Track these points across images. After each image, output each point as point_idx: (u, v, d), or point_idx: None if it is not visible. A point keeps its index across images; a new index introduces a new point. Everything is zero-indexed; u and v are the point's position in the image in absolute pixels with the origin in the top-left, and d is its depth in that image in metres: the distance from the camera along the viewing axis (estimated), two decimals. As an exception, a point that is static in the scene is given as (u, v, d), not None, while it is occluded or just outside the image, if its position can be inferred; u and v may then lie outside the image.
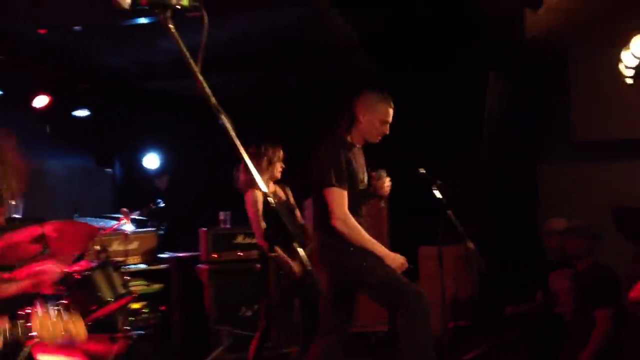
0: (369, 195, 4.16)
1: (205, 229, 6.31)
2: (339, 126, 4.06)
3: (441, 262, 4.68)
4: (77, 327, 2.57)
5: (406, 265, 4.04)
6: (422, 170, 4.66)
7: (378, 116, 4.04)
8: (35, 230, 4.00)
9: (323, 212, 3.81)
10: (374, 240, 3.92)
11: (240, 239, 6.32)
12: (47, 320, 2.51)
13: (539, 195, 7.03)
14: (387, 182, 4.18)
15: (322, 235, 3.92)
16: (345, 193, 3.80)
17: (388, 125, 4.11)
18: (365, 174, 4.13)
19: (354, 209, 3.87)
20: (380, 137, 4.07)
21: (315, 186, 3.89)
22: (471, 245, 4.69)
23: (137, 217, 6.31)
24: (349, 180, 3.85)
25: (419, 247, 6.84)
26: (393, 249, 7.00)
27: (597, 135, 6.75)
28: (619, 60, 5.42)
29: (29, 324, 2.57)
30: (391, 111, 4.12)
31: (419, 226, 6.66)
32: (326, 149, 3.91)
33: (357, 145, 4.08)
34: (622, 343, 4.52)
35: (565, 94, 6.76)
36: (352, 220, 3.80)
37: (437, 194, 4.59)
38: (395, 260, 3.95)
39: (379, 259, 3.85)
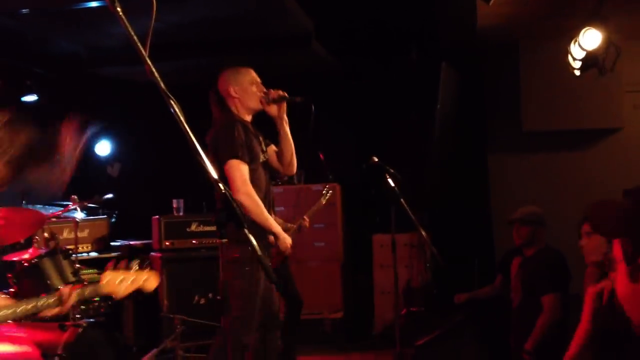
0: (270, 168, 4.08)
1: (157, 216, 6.25)
2: (219, 113, 3.99)
3: (394, 250, 4.73)
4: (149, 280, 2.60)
5: (289, 251, 3.98)
6: (375, 159, 4.70)
7: (246, 80, 3.97)
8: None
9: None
10: (271, 219, 3.84)
11: (194, 227, 6.27)
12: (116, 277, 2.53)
13: (490, 184, 7.15)
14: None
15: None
16: (246, 166, 3.74)
17: (260, 83, 4.02)
18: (264, 146, 4.03)
19: (256, 183, 3.80)
20: (262, 98, 3.96)
21: (217, 166, 3.71)
22: (424, 233, 4.75)
23: (87, 205, 6.20)
24: (249, 153, 3.78)
25: (372, 235, 6.91)
26: (347, 236, 7.12)
27: (547, 125, 6.90)
28: (567, 52, 5.53)
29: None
30: (252, 70, 4.03)
31: (372, 214, 6.75)
32: (221, 127, 3.86)
33: (248, 120, 3.99)
34: (568, 329, 4.64)
35: (515, 84, 6.88)
36: (255, 194, 3.72)
37: (390, 182, 4.64)
38: (285, 240, 3.88)
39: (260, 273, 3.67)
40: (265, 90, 3.99)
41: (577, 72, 5.63)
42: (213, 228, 6.21)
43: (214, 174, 1.97)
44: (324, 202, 5.51)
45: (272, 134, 4.14)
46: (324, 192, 5.59)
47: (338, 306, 6.84)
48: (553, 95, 6.73)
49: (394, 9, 6.14)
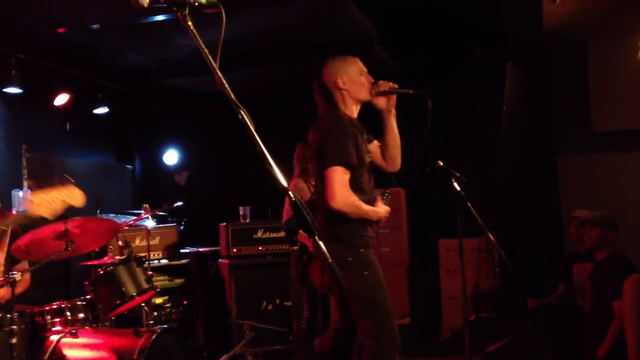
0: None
1: (224, 223, 6.35)
2: (325, 107, 3.72)
3: (462, 255, 4.68)
4: (74, 194, 2.62)
5: (387, 216, 3.75)
6: (441, 163, 4.65)
7: (354, 70, 3.70)
8: (58, 226, 4.05)
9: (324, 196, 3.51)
10: (370, 208, 3.61)
11: (260, 234, 6.35)
12: (43, 197, 2.56)
13: (560, 186, 6.99)
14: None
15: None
16: (349, 174, 3.50)
17: (368, 73, 3.74)
18: (367, 145, 3.76)
19: (361, 187, 3.60)
20: (371, 89, 3.69)
21: (319, 165, 3.57)
22: (492, 237, 4.68)
23: (158, 213, 6.35)
24: (357, 160, 3.55)
25: (439, 240, 6.84)
26: (413, 241, 7.05)
27: (618, 124, 6.71)
28: (637, 49, 5.37)
29: None
30: (359, 60, 3.76)
31: (438, 219, 6.68)
32: (332, 128, 3.59)
33: (355, 116, 3.72)
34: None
35: (584, 84, 6.72)
36: (353, 197, 3.50)
37: (456, 186, 4.59)
38: (380, 213, 3.66)
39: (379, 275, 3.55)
40: (373, 81, 3.72)
41: (649, 70, 5.46)
42: (279, 234, 6.27)
43: (283, 181, 1.99)
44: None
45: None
46: (385, 196, 5.55)
47: (405, 312, 6.78)
48: (623, 94, 6.55)
49: (457, 10, 6.08)
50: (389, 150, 3.82)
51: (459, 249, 4.68)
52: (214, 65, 2.02)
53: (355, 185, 3.54)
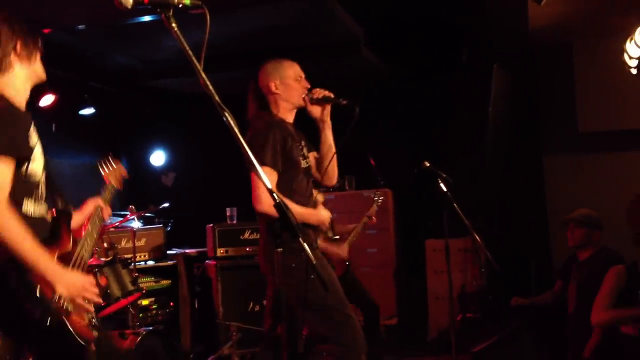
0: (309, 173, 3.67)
1: (211, 225, 6.34)
2: (256, 110, 3.60)
3: (448, 255, 4.69)
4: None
5: (328, 221, 3.62)
6: (427, 164, 4.67)
7: (289, 75, 3.58)
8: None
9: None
10: (303, 209, 3.46)
11: (247, 235, 6.34)
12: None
13: (546, 186, 7.03)
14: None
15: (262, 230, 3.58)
16: (276, 175, 3.38)
17: (305, 79, 3.63)
18: (305, 151, 3.64)
19: (296, 189, 3.48)
20: (305, 95, 3.56)
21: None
22: (478, 238, 4.70)
23: (144, 215, 6.33)
24: (285, 162, 3.43)
25: (425, 240, 6.86)
26: (400, 242, 7.08)
27: (603, 125, 6.75)
28: (623, 50, 5.41)
29: None
30: (296, 65, 3.64)
31: (425, 220, 6.71)
32: (256, 130, 3.48)
33: (290, 122, 3.62)
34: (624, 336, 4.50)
35: (570, 85, 6.76)
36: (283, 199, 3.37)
37: (443, 187, 4.61)
38: (322, 216, 3.54)
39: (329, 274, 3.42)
40: (309, 87, 3.61)
41: (634, 71, 5.50)
42: (266, 236, 6.27)
43: (268, 183, 1.99)
44: (376, 208, 5.50)
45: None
46: (375, 198, 5.58)
47: (392, 312, 6.81)
48: (609, 94, 6.59)
49: (443, 12, 6.10)
50: (322, 162, 3.66)
51: (445, 249, 4.69)
52: (199, 67, 2.02)
53: (289, 187, 3.43)
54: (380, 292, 6.79)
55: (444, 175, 4.65)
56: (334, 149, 3.63)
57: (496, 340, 5.16)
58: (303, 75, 3.63)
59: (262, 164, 3.29)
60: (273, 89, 3.57)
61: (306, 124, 3.70)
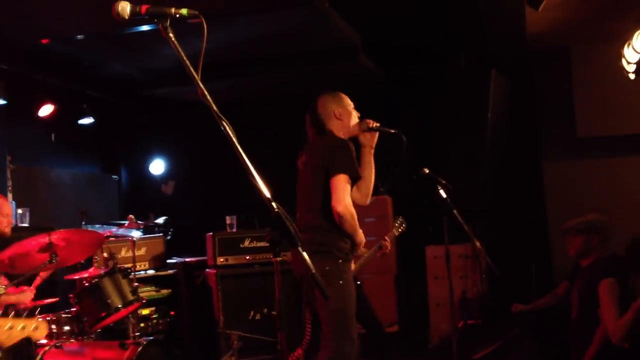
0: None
1: (211, 233, 6.33)
2: (315, 134, 3.97)
3: (448, 262, 4.68)
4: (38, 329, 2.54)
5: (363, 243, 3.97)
6: (426, 170, 4.66)
7: (348, 104, 4.02)
8: (43, 239, 4.03)
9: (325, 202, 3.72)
10: (360, 230, 3.87)
11: (247, 243, 6.33)
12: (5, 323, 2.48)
13: (545, 192, 7.03)
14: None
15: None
16: (350, 185, 3.76)
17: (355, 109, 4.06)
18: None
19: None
20: (360, 125, 3.97)
21: (320, 177, 3.77)
22: (478, 244, 4.69)
23: (143, 224, 6.33)
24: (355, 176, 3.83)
25: (425, 247, 6.85)
26: (400, 249, 7.06)
27: (602, 130, 6.75)
28: (620, 55, 5.42)
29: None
30: (346, 97, 4.07)
31: (425, 226, 6.69)
32: (335, 144, 3.85)
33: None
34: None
35: (568, 90, 6.76)
36: (352, 208, 3.74)
37: (442, 193, 4.60)
38: (362, 237, 3.90)
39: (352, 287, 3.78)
40: (359, 115, 4.02)
41: (632, 76, 5.51)
42: (266, 244, 6.25)
43: (266, 192, 1.99)
44: (397, 233, 5.46)
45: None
46: (396, 224, 5.51)
47: (393, 319, 6.78)
48: (607, 99, 6.60)
49: (441, 18, 6.11)
50: (364, 183, 4.01)
51: (445, 255, 4.68)
52: (196, 76, 2.02)
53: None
54: (381, 299, 6.77)
55: (444, 182, 4.64)
56: (374, 171, 4.05)
57: (498, 347, 5.15)
58: (353, 106, 4.03)
59: (344, 171, 3.71)
60: (337, 115, 3.94)
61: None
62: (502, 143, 6.62)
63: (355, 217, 3.76)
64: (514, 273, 6.18)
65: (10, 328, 2.44)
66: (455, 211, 4.56)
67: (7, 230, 4.70)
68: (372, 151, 4.03)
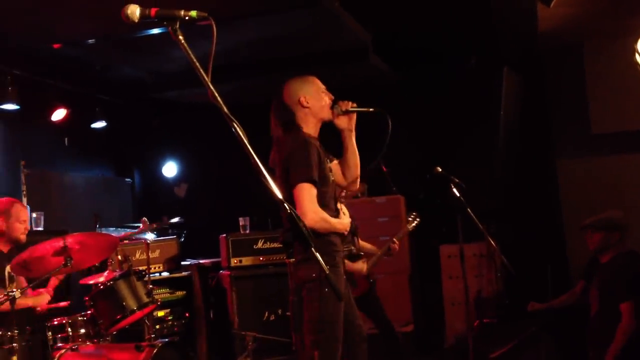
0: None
1: (224, 235, 6.34)
2: (281, 129, 3.67)
3: (463, 261, 4.66)
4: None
5: (349, 225, 3.76)
6: (439, 169, 4.65)
7: (316, 89, 3.69)
8: (57, 242, 4.05)
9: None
10: (336, 221, 3.63)
11: (260, 244, 6.33)
12: None
13: (560, 189, 6.98)
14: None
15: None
16: (316, 190, 3.50)
17: (328, 92, 3.74)
18: (329, 163, 3.77)
19: (327, 204, 3.60)
20: (332, 108, 3.70)
21: (285, 187, 3.50)
22: (493, 242, 4.67)
23: (158, 224, 6.34)
24: (321, 177, 3.55)
25: (440, 246, 6.82)
26: (413, 248, 7.03)
27: (616, 126, 6.69)
28: (634, 51, 5.37)
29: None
30: (317, 79, 3.75)
31: (438, 225, 6.66)
32: (294, 147, 3.56)
33: (315, 136, 3.71)
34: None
35: (581, 86, 6.71)
36: (323, 213, 3.51)
37: (455, 192, 4.58)
38: (345, 223, 3.69)
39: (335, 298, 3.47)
40: (333, 98, 3.73)
41: (646, 71, 5.46)
42: (279, 245, 6.26)
43: (278, 193, 1.98)
44: (410, 229, 5.43)
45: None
46: (410, 219, 5.48)
47: (408, 319, 6.76)
48: (621, 95, 6.54)
49: (452, 17, 6.08)
50: (350, 169, 3.81)
51: (460, 254, 4.66)
52: (206, 78, 2.01)
53: (322, 202, 3.54)
54: (396, 299, 6.76)
55: (457, 181, 4.62)
56: (358, 157, 3.78)
57: (514, 345, 5.12)
58: (325, 88, 3.73)
59: (306, 180, 3.44)
60: (304, 102, 3.64)
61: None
62: (515, 142, 6.58)
63: (327, 217, 3.53)
64: (529, 271, 6.14)
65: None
66: (469, 210, 4.54)
67: (23, 237, 4.73)
68: (353, 134, 3.75)
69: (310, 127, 3.67)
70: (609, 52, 6.52)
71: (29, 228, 4.91)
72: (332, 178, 3.72)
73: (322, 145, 3.72)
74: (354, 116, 3.74)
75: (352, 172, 3.82)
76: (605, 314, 4.64)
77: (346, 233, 3.75)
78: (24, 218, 4.74)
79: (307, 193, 3.45)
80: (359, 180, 3.89)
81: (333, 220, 3.59)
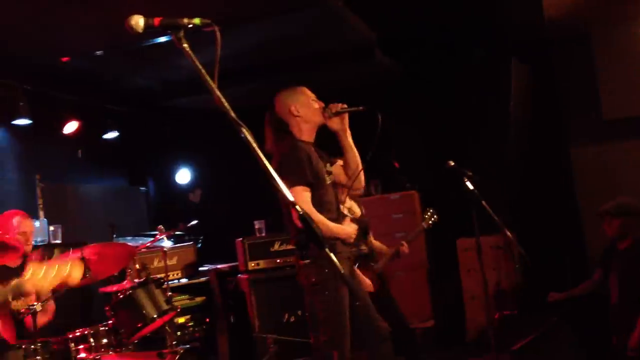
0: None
1: (241, 239, 6.36)
2: (275, 140, 3.83)
3: (480, 254, 4.63)
4: (72, 271, 2.47)
5: (354, 234, 3.85)
6: (452, 163, 4.62)
7: (305, 98, 3.87)
8: (75, 254, 4.07)
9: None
10: (336, 226, 3.72)
11: (276, 246, 6.35)
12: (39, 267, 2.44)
13: (575, 177, 6.93)
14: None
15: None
16: (309, 192, 3.62)
17: (317, 99, 3.91)
18: (329, 167, 3.91)
19: (325, 206, 3.71)
20: (323, 113, 3.84)
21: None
22: (509, 234, 4.64)
23: (173, 233, 6.37)
24: (314, 179, 3.67)
25: (456, 239, 6.80)
26: (430, 243, 7.01)
27: (628, 111, 6.63)
28: (642, 34, 5.33)
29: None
30: (307, 89, 3.93)
31: (454, 219, 6.64)
32: (284, 153, 3.71)
33: (311, 142, 3.87)
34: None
35: (591, 73, 6.66)
36: (317, 215, 3.57)
37: (469, 185, 4.55)
38: (348, 230, 3.79)
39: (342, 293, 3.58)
40: (323, 105, 3.89)
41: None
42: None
43: (289, 196, 1.98)
44: (425, 226, 5.42)
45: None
46: (426, 216, 5.47)
47: (428, 315, 6.75)
48: (632, 79, 6.48)
49: (456, 9, 6.06)
50: (350, 167, 3.96)
51: (477, 247, 4.63)
52: (212, 84, 2.02)
53: (320, 204, 3.66)
54: (415, 295, 6.75)
55: (470, 173, 4.59)
56: (357, 153, 3.93)
57: (536, 337, 5.09)
58: (314, 96, 3.90)
59: (297, 183, 3.58)
60: (294, 112, 3.82)
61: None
62: (526, 132, 6.54)
63: (324, 220, 3.59)
64: (548, 261, 6.10)
65: (45, 273, 2.41)
66: (483, 202, 4.52)
67: (28, 248, 4.67)
68: (347, 134, 3.90)
69: (305, 134, 3.85)
70: (616, 38, 6.47)
71: (32, 241, 4.84)
72: (331, 180, 3.84)
73: (319, 149, 3.87)
74: (346, 117, 3.88)
75: (353, 170, 3.95)
76: (626, 300, 4.61)
77: (350, 239, 3.83)
78: (24, 229, 4.68)
79: (299, 196, 3.57)
80: (362, 177, 4.00)
81: (332, 224, 3.69)
